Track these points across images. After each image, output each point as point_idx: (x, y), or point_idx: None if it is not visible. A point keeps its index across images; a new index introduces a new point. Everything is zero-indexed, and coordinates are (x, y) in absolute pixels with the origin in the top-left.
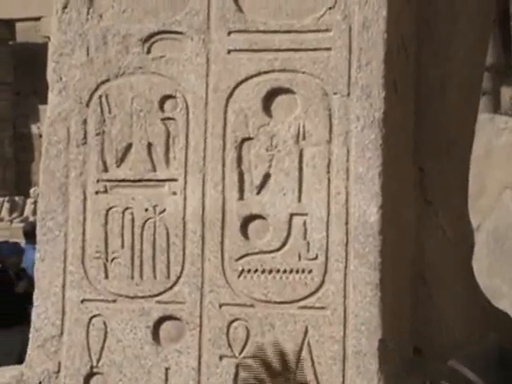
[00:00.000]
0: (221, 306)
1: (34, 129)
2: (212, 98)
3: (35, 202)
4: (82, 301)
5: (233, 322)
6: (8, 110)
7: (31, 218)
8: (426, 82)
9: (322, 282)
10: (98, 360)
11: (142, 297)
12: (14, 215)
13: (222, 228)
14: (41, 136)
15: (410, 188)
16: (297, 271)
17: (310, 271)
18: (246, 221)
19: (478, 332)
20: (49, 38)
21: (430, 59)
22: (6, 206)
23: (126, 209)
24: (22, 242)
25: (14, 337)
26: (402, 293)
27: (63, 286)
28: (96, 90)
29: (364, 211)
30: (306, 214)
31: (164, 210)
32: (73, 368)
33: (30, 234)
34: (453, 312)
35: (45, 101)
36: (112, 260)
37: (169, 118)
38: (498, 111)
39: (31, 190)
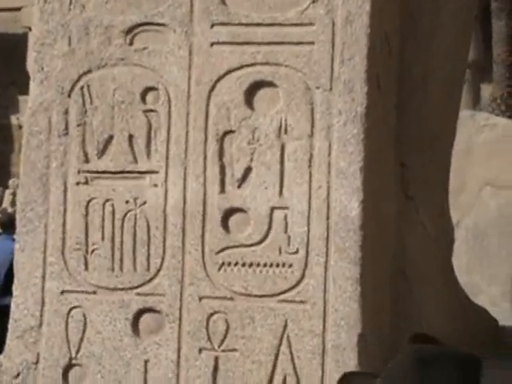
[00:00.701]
0: (201, 298)
1: (13, 120)
2: (194, 91)
3: (14, 193)
4: (62, 292)
5: (212, 314)
6: None
7: (10, 210)
8: (409, 77)
9: (302, 276)
10: (77, 351)
11: (122, 289)
12: None
13: (203, 221)
14: (20, 127)
15: (391, 183)
16: (277, 265)
17: (291, 265)
18: (227, 214)
19: (457, 327)
20: (29, 28)
21: (413, 54)
22: None
23: (107, 200)
24: None
25: None
26: (382, 288)
27: (43, 277)
28: (78, 80)
29: (345, 206)
30: (286, 208)
31: (145, 203)
32: (51, 359)
33: (7, 224)
34: (433, 307)
35: (24, 91)
36: (92, 252)
37: (151, 110)
38: (478, 107)
39: (10, 181)
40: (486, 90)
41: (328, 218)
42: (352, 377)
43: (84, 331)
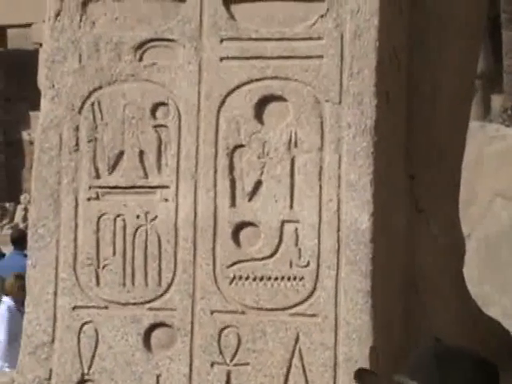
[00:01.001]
0: (212, 312)
1: (24, 135)
2: (204, 106)
3: (25, 209)
4: (74, 308)
5: (224, 328)
6: None
7: (21, 225)
8: (417, 91)
9: (314, 289)
10: (90, 367)
11: (134, 304)
12: (4, 222)
13: (214, 235)
14: (31, 142)
15: (401, 196)
16: (288, 278)
17: (302, 278)
18: (238, 228)
19: (469, 339)
20: (40, 44)
21: (422, 69)
22: None
23: (118, 216)
24: (11, 248)
25: None
26: (393, 300)
27: (55, 293)
28: (88, 97)
29: (355, 219)
30: (297, 221)
31: (156, 217)
32: (64, 375)
33: (18, 240)
34: (444, 320)
35: (35, 107)
36: (104, 267)
37: (161, 126)
38: (488, 118)
39: (21, 197)
40: (497, 101)
41: (338, 231)
42: (367, 375)
43: (96, 347)
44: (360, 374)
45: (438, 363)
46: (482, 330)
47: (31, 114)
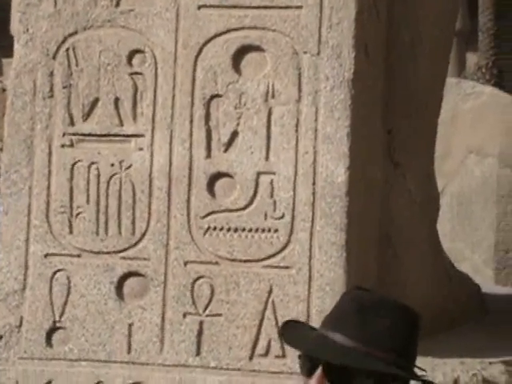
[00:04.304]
0: (186, 263)
1: None
2: (181, 54)
3: None
4: (46, 255)
5: (197, 279)
6: None
7: None
8: (396, 43)
9: (288, 242)
10: (61, 315)
11: (107, 252)
12: None
13: (189, 185)
14: (4, 90)
15: (378, 149)
16: (263, 230)
17: (276, 230)
18: (213, 178)
19: (441, 293)
20: None
21: (402, 20)
22: None
23: (92, 163)
24: None
25: None
26: (367, 253)
27: (27, 240)
28: (63, 42)
29: (332, 171)
30: (273, 173)
31: (130, 166)
32: (35, 322)
33: None
34: (418, 273)
35: (8, 54)
36: (77, 215)
37: (137, 73)
38: (463, 75)
39: None
40: (472, 59)
41: (314, 184)
42: (289, 323)
43: (68, 295)
44: (286, 324)
45: (358, 312)
46: (453, 285)
47: (4, 61)
